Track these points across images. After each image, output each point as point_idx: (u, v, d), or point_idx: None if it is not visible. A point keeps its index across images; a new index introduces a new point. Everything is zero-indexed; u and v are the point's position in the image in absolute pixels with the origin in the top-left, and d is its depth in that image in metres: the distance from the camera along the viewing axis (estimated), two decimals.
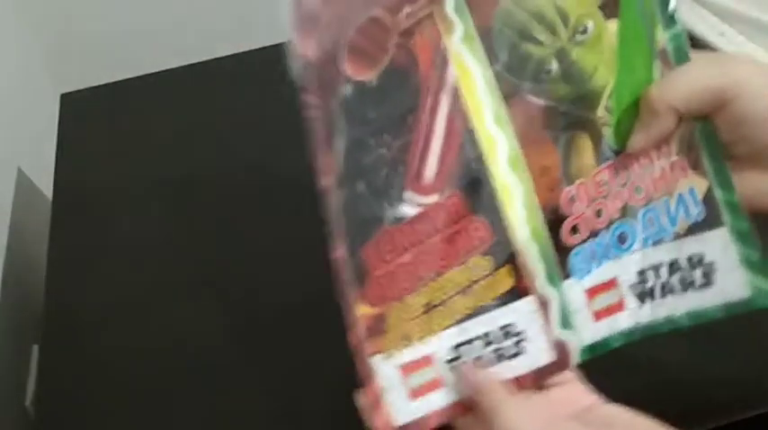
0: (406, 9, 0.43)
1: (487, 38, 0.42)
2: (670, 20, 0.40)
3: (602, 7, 0.41)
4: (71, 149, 0.76)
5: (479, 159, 0.41)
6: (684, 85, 0.39)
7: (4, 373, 0.72)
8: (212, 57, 0.81)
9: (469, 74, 0.42)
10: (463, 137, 0.42)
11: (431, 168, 0.42)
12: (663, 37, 0.40)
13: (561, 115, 0.41)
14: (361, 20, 0.44)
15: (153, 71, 0.81)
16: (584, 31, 0.41)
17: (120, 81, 0.81)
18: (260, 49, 0.79)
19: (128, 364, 0.62)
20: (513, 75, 0.42)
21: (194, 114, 0.77)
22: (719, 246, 0.39)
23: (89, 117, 0.80)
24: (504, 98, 0.41)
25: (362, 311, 0.42)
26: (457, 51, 0.42)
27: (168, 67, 0.81)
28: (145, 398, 0.60)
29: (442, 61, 0.42)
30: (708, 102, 0.39)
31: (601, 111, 0.41)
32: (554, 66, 0.41)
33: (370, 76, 0.44)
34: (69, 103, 0.80)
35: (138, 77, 0.81)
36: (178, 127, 0.77)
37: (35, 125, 0.87)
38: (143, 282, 0.66)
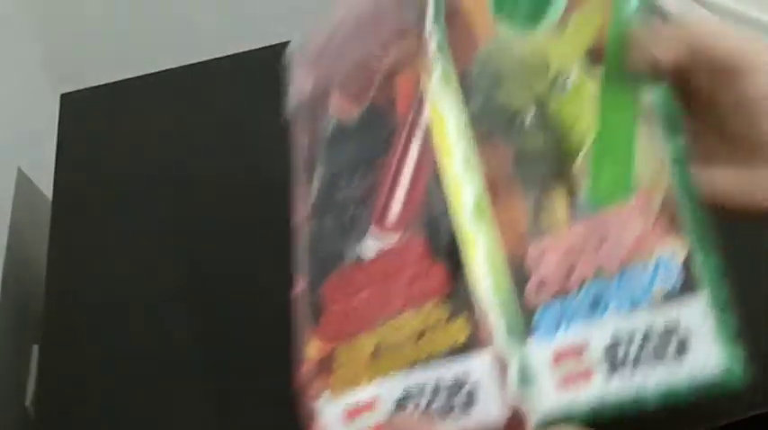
0: (395, 47, 0.43)
1: (465, 80, 0.41)
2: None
3: (585, 58, 0.39)
4: (71, 149, 0.76)
5: (444, 203, 0.40)
6: (706, 30, 0.37)
7: (4, 373, 0.72)
8: (212, 57, 0.81)
9: (443, 115, 0.41)
10: (430, 179, 0.40)
11: (396, 208, 0.41)
12: (649, 92, 0.38)
13: (534, 165, 0.39)
14: (356, 57, 0.45)
15: (153, 71, 0.81)
16: (565, 83, 0.39)
17: (120, 81, 0.81)
18: (259, 49, 0.79)
19: (128, 364, 0.62)
20: (487, 120, 0.40)
21: (194, 114, 0.77)
22: (697, 314, 0.35)
23: (89, 117, 0.80)
24: (475, 143, 0.40)
25: (314, 348, 0.41)
26: (433, 92, 0.41)
27: (168, 67, 0.81)
28: (145, 399, 0.60)
29: (419, 102, 0.42)
30: (718, 59, 0.37)
31: (579, 165, 0.39)
32: (530, 115, 0.40)
33: (352, 113, 0.44)
34: (69, 103, 0.80)
35: (138, 77, 0.81)
36: (178, 127, 0.77)
37: (35, 125, 0.87)
38: (143, 282, 0.66)
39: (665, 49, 0.37)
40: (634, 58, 0.38)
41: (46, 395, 0.62)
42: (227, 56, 0.81)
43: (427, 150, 0.41)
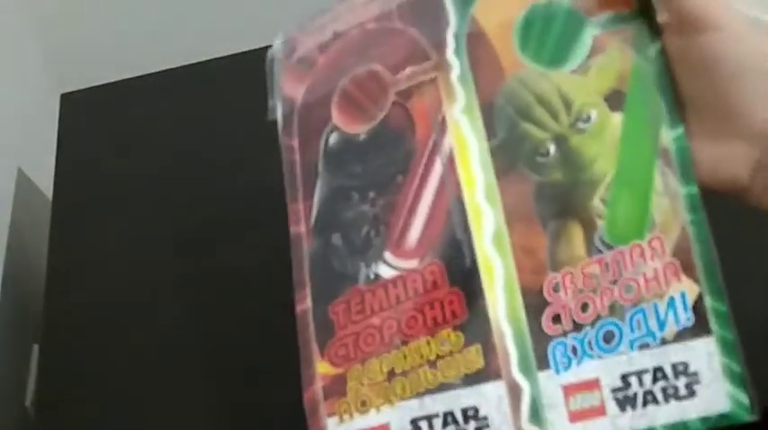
0: (408, 69, 0.43)
1: (488, 112, 0.42)
2: (675, 120, 0.40)
3: (607, 99, 0.41)
4: (71, 149, 0.76)
5: (465, 231, 0.40)
6: None
7: (4, 373, 0.72)
8: (212, 57, 0.81)
9: (466, 145, 0.41)
10: (451, 206, 0.41)
11: (414, 233, 0.41)
12: (667, 136, 0.40)
13: (553, 199, 0.40)
14: (360, 71, 0.45)
15: (153, 71, 0.81)
16: (587, 120, 0.41)
17: (120, 81, 0.81)
18: (260, 48, 0.79)
19: (128, 364, 0.62)
20: (509, 152, 0.41)
21: (194, 114, 0.77)
22: (705, 355, 0.37)
23: (89, 117, 0.79)
24: (497, 174, 0.41)
25: (323, 370, 0.41)
26: (456, 121, 0.42)
27: (168, 67, 0.81)
28: (145, 399, 0.60)
29: (439, 128, 0.42)
30: (685, 12, 0.38)
31: (596, 202, 0.40)
32: (551, 150, 0.41)
33: (359, 129, 0.44)
34: (69, 103, 0.80)
35: (138, 77, 0.81)
36: (178, 127, 0.77)
37: (35, 125, 0.87)
38: (143, 282, 0.66)
39: None
40: None
41: (46, 395, 0.62)
42: (227, 56, 0.81)
43: (449, 177, 0.41)
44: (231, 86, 0.79)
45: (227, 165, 0.73)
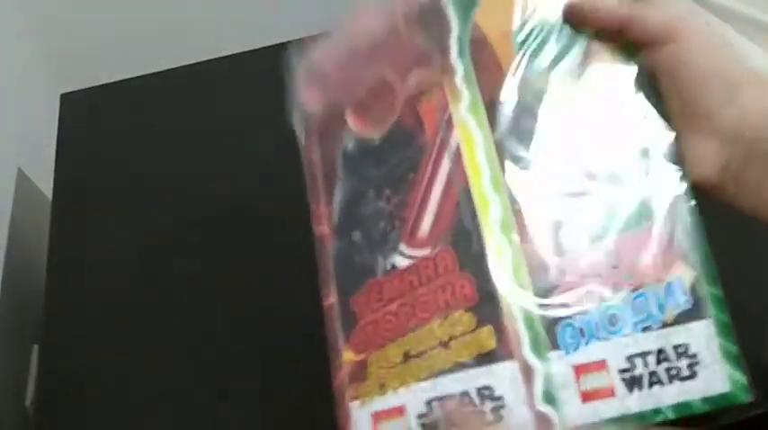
0: (416, 76, 0.46)
1: (492, 109, 0.44)
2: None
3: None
4: (71, 149, 0.76)
5: (473, 217, 0.42)
6: (639, 5, 0.41)
7: (4, 373, 0.72)
8: (212, 57, 0.81)
9: (472, 139, 0.43)
10: (460, 197, 0.43)
11: (426, 224, 0.43)
12: (662, 137, 0.42)
13: (558, 187, 0.42)
14: (371, 79, 0.47)
15: (153, 71, 0.81)
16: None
17: (120, 81, 0.81)
18: (260, 49, 0.79)
19: (128, 365, 0.62)
20: (514, 145, 0.43)
21: (194, 114, 0.77)
22: (704, 337, 0.39)
23: (89, 117, 0.80)
24: (502, 165, 0.43)
25: (347, 358, 0.42)
26: (462, 118, 0.44)
27: (168, 67, 0.81)
28: (145, 399, 0.60)
29: (446, 125, 0.44)
30: (649, 29, 0.40)
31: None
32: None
33: (373, 134, 0.46)
34: (69, 103, 0.80)
35: (138, 77, 0.81)
36: (178, 127, 0.77)
37: (35, 125, 0.87)
38: (143, 282, 0.66)
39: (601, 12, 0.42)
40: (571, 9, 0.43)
41: (46, 395, 0.62)
42: (227, 56, 0.81)
43: (457, 169, 0.43)
44: (231, 86, 0.79)
45: (227, 164, 0.73)
